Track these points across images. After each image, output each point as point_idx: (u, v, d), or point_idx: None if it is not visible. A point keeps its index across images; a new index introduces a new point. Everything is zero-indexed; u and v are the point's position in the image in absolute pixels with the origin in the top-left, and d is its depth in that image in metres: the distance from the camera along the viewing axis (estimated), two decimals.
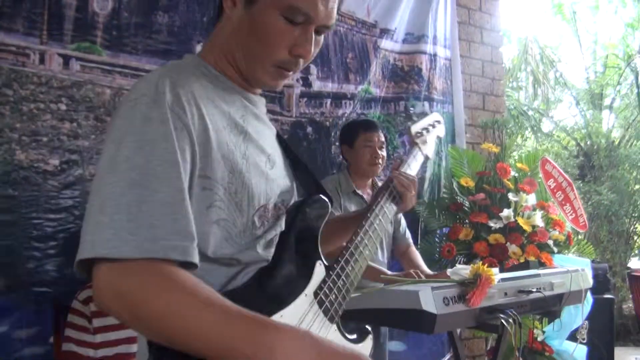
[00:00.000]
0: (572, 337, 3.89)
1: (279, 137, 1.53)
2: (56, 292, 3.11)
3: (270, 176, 1.37)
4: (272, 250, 1.34)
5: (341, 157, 3.65)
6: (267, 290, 1.28)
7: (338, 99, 4.19)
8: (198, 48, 3.62)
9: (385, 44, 4.50)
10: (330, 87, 4.15)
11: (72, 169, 3.19)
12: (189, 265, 1.12)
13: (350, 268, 1.43)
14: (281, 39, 1.31)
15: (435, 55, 4.83)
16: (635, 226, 8.80)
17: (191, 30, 3.61)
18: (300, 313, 1.28)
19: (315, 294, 1.33)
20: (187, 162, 1.17)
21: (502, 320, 2.30)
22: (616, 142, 9.20)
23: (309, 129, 4.01)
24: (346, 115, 4.21)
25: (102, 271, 1.07)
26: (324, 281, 1.36)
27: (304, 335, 1.10)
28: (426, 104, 4.72)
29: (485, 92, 5.28)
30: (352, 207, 3.33)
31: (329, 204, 1.46)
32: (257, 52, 1.33)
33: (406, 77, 4.62)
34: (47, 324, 3.06)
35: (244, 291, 1.26)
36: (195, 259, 1.12)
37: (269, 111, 3.79)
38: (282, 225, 1.38)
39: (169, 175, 1.12)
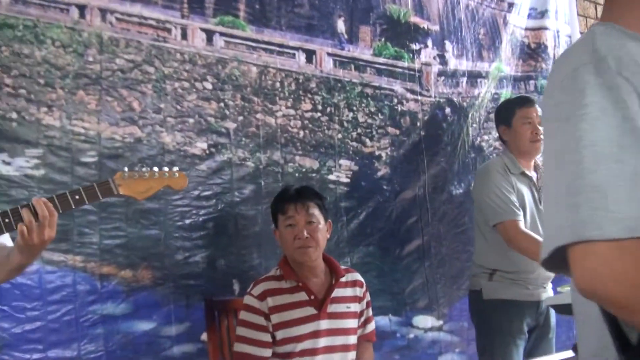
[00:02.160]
0: None
1: None
2: (206, 285, 2.90)
3: None
4: None
5: (499, 140, 3.35)
6: None
7: (473, 77, 3.92)
8: (339, 23, 3.38)
9: (513, 18, 4.21)
10: (465, 65, 3.87)
11: (221, 153, 2.96)
12: None
13: None
14: None
15: (558, 31, 4.53)
16: None
17: (332, 4, 3.36)
18: None
19: None
20: None
21: None
22: None
23: (447, 110, 3.74)
24: (481, 95, 3.93)
25: (591, 253, 0.94)
26: None
27: None
28: None
29: None
30: (524, 189, 3.06)
31: None
32: None
33: (533, 54, 4.32)
34: (198, 319, 2.85)
35: None
36: None
37: (409, 90, 3.60)
38: None
39: (632, 145, 0.96)
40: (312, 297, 2.53)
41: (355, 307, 2.64)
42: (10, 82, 2.58)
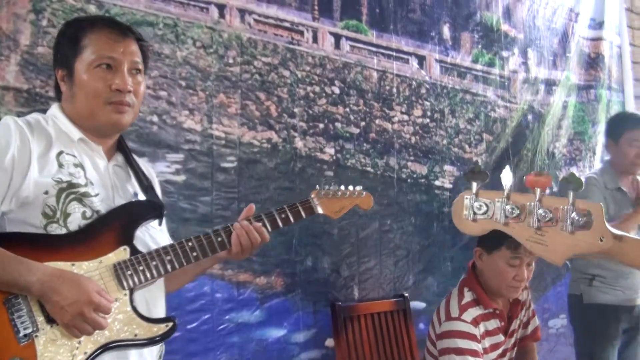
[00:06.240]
0: None
1: None
2: (331, 291, 2.90)
3: None
4: None
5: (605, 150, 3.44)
6: None
7: (549, 85, 3.99)
8: (445, 29, 3.39)
9: (578, 28, 4.31)
10: (542, 73, 3.94)
11: (345, 159, 2.95)
12: None
13: None
14: None
15: (611, 42, 4.64)
16: None
17: (439, 9, 3.37)
18: None
19: None
20: None
21: None
22: None
23: (529, 117, 3.81)
24: (555, 102, 4.01)
25: None
26: None
27: None
28: (607, 92, 4.53)
29: None
30: (614, 205, 3.16)
31: None
32: None
33: (593, 63, 4.42)
34: (324, 325, 2.86)
35: None
36: None
37: (499, 97, 3.64)
38: None
39: None
40: (502, 323, 2.50)
41: (522, 316, 2.63)
42: (150, 83, 2.49)
